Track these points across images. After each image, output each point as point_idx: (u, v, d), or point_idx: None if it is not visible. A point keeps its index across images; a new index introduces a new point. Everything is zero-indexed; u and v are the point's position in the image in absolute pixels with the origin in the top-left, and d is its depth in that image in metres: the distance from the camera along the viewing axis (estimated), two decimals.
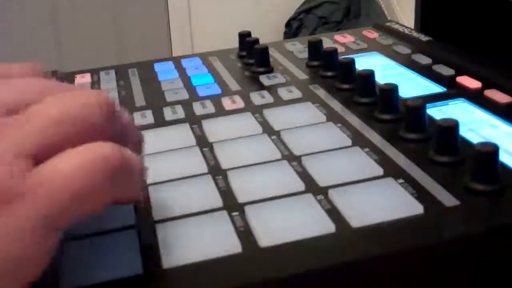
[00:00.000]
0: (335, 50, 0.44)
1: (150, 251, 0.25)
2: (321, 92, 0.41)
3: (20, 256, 0.20)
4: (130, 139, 0.25)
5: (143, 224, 0.27)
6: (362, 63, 0.45)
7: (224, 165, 0.31)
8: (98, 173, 0.21)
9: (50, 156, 0.21)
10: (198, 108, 0.40)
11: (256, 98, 0.40)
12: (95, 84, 0.47)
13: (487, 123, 0.35)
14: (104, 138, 0.22)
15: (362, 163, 0.30)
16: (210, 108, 0.39)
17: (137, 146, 0.26)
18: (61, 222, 0.21)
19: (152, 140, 0.35)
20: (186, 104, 0.40)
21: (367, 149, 0.32)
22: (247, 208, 0.27)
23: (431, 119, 0.34)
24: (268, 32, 1.97)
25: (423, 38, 0.50)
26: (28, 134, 0.21)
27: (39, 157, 0.21)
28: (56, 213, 0.20)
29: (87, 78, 0.48)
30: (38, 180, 0.20)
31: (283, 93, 0.41)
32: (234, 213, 0.27)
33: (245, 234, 0.26)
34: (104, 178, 0.21)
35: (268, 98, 0.40)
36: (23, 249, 0.20)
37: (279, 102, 0.40)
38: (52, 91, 0.23)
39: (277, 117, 0.37)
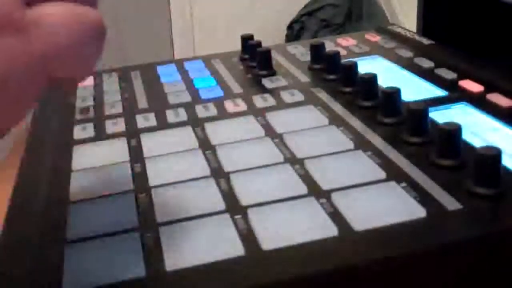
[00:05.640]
0: (338, 53, 0.44)
1: (152, 253, 0.25)
2: (323, 95, 0.41)
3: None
4: None
5: (146, 226, 0.27)
6: (364, 66, 0.45)
7: (226, 168, 0.32)
8: (87, 31, 0.21)
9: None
10: (200, 111, 0.40)
11: (259, 101, 0.40)
12: (97, 86, 0.47)
13: (490, 127, 0.35)
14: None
15: (365, 167, 0.30)
16: (212, 110, 0.39)
17: None
18: (54, 66, 0.21)
19: (155, 142, 0.35)
20: (189, 107, 0.40)
21: (369, 153, 0.32)
22: (250, 211, 0.27)
23: (434, 122, 0.34)
24: (270, 35, 1.96)
25: (426, 41, 0.50)
26: None
27: None
28: (52, 56, 0.20)
29: (89, 80, 0.48)
30: (34, 19, 0.20)
31: (286, 96, 0.41)
32: (237, 216, 0.27)
33: (248, 237, 0.26)
34: (90, 37, 0.22)
35: (270, 101, 0.40)
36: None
37: (281, 105, 0.40)
38: None
39: (279, 120, 0.37)
